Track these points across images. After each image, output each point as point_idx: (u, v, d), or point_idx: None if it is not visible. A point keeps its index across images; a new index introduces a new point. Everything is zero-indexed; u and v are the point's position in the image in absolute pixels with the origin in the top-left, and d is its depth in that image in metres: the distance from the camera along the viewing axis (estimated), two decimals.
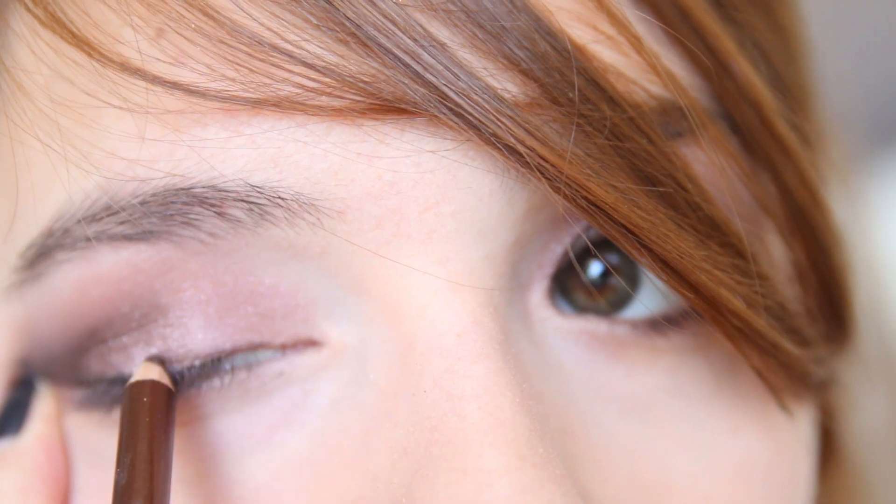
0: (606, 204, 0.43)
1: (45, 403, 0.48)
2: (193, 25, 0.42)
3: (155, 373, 0.45)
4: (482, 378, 0.42)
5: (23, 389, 0.49)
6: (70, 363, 0.47)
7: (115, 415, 0.46)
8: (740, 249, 0.46)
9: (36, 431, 0.48)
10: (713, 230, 0.45)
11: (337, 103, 0.42)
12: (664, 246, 0.44)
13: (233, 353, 0.45)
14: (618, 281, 0.48)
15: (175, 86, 0.42)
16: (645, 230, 0.43)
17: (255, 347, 0.45)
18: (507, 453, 0.41)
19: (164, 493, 0.43)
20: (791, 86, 0.52)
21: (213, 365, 0.45)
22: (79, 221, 0.44)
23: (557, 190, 0.42)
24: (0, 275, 0.48)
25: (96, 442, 0.47)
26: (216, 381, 0.45)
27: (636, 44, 0.44)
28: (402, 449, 0.43)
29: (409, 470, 0.43)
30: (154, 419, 0.44)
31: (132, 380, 0.45)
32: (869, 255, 0.71)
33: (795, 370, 0.48)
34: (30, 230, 0.46)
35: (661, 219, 0.44)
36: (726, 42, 0.46)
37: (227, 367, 0.45)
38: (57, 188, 0.45)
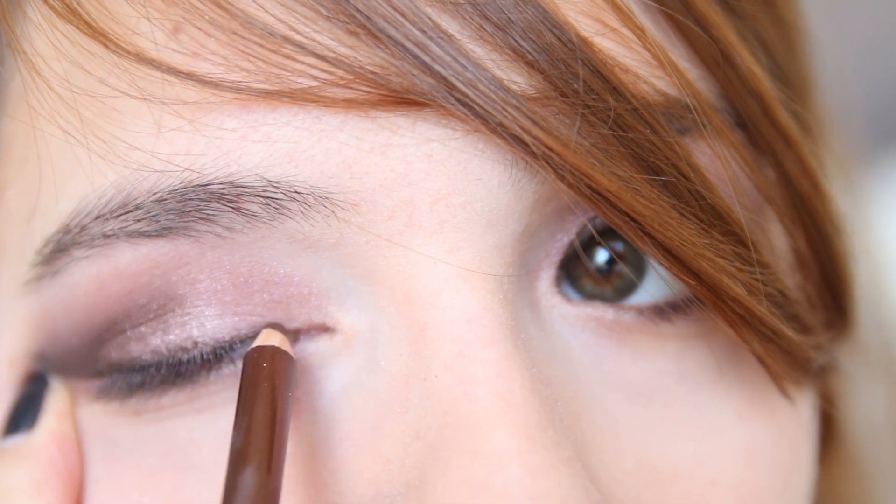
0: (610, 192, 0.43)
1: (58, 398, 0.49)
2: (208, 17, 0.43)
3: (276, 339, 0.46)
4: (493, 363, 0.43)
5: (36, 384, 0.50)
6: (87, 355, 0.48)
7: (131, 404, 0.47)
8: (742, 238, 0.47)
9: (49, 427, 0.48)
10: (715, 219, 0.46)
11: (349, 94, 0.43)
12: (666, 234, 0.44)
13: (249, 337, 0.46)
14: (623, 268, 0.48)
15: (190, 76, 0.43)
16: (647, 218, 0.44)
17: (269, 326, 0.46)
18: (518, 436, 0.42)
19: (280, 458, 0.43)
20: (791, 77, 0.53)
21: (229, 351, 0.46)
22: (96, 218, 0.45)
23: (562, 179, 0.43)
24: (18, 270, 0.49)
25: (112, 432, 0.48)
26: (231, 368, 0.46)
27: (641, 35, 0.45)
28: (415, 432, 0.44)
29: (421, 452, 0.43)
30: (274, 384, 0.44)
31: (253, 345, 0.45)
32: (869, 247, 0.72)
33: (796, 356, 0.49)
34: (47, 226, 0.47)
35: (664, 207, 0.45)
36: (729, 33, 0.47)
37: (233, 337, 0.46)
38: (75, 183, 0.46)
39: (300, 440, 0.46)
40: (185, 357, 0.46)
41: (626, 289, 0.49)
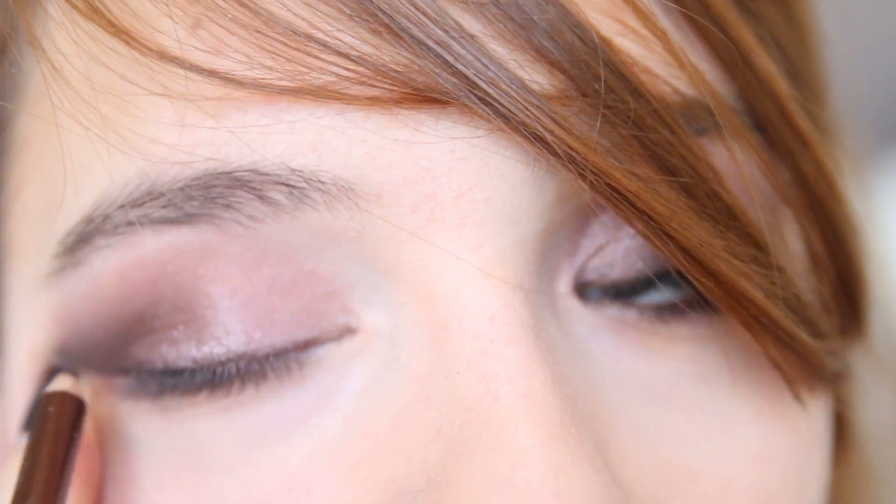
0: (630, 192, 0.44)
1: None
2: (230, 15, 0.43)
3: (66, 384, 0.47)
4: (515, 360, 0.43)
5: None
6: (113, 351, 0.48)
7: (163, 401, 0.47)
8: (759, 240, 0.47)
9: None
10: (732, 221, 0.46)
11: (372, 92, 0.43)
12: (685, 234, 0.45)
13: (273, 338, 0.46)
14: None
15: (212, 74, 0.43)
16: (666, 218, 0.44)
17: (301, 344, 0.46)
18: (541, 433, 0.42)
19: (60, 497, 0.45)
20: (807, 78, 0.53)
21: (256, 351, 0.46)
22: (120, 207, 0.45)
23: (583, 178, 0.43)
24: (39, 263, 0.49)
25: (134, 430, 0.48)
26: (256, 367, 0.46)
27: (662, 36, 0.45)
28: (436, 430, 0.44)
29: (443, 449, 0.43)
30: (58, 428, 0.46)
31: (44, 391, 0.47)
32: (876, 250, 0.72)
33: (811, 361, 0.49)
34: (69, 218, 0.47)
35: (682, 208, 0.45)
36: (747, 35, 0.48)
37: (268, 352, 0.46)
38: (97, 176, 0.46)
39: (322, 439, 0.46)
40: (218, 366, 0.46)
41: (643, 289, 0.49)
